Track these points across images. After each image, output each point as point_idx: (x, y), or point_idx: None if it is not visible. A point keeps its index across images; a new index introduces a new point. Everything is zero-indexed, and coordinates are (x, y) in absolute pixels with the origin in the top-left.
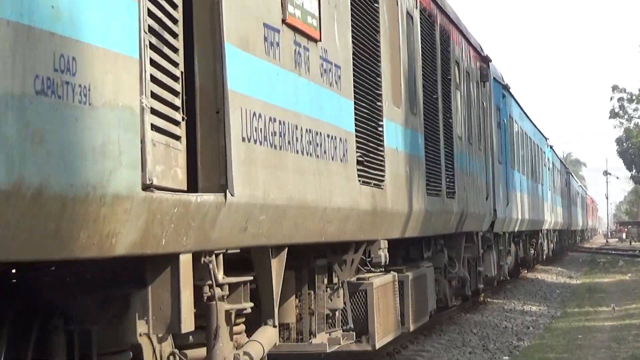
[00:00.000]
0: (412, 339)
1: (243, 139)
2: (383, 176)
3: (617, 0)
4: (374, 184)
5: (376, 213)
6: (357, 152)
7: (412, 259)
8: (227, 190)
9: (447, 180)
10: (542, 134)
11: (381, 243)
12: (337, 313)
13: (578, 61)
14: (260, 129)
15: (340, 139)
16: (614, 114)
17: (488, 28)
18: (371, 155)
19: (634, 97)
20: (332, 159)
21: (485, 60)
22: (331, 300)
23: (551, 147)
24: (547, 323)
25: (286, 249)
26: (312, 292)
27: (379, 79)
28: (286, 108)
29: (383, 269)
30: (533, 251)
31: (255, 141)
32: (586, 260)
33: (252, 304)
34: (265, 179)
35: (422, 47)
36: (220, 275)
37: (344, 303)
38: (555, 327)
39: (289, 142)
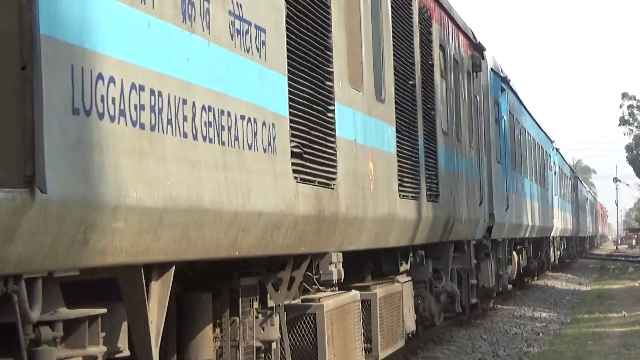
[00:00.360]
0: (422, 345)
1: (76, 111)
2: (334, 173)
3: (627, 8)
4: (320, 183)
5: (323, 220)
6: (292, 141)
7: (385, 273)
8: (36, 185)
9: (429, 181)
10: (547, 135)
11: (333, 256)
12: (273, 345)
13: (588, 69)
14: (114, 98)
15: (265, 122)
16: (623, 121)
17: (498, 35)
18: (315, 146)
19: None
20: (250, 148)
21: (479, 48)
22: (263, 329)
23: (557, 150)
24: (557, 329)
25: (172, 268)
26: (237, 320)
27: (328, 52)
28: (166, 74)
29: (336, 287)
30: (538, 259)
31: (102, 115)
32: (596, 266)
33: (103, 348)
34: (123, 170)
35: (393, 22)
36: (62, 308)
37: (280, 332)
38: (565, 334)
39: (169, 122)
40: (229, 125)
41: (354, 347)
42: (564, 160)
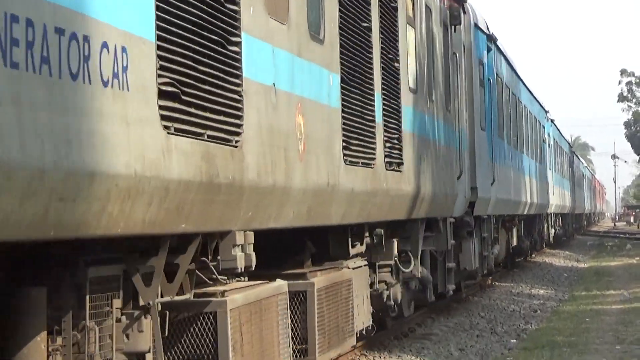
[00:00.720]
0: (420, 322)
1: None
2: (239, 126)
3: None
4: (213, 138)
5: (218, 188)
6: (161, 75)
7: (332, 257)
8: None
9: (389, 146)
10: (541, 105)
11: (237, 237)
12: (147, 358)
13: (586, 45)
14: None
15: (106, 45)
16: (622, 98)
17: (495, 12)
18: (206, 87)
19: None
20: (75, 78)
21: None
22: (128, 337)
23: (552, 121)
24: (554, 306)
25: None
26: (87, 325)
27: None
28: None
29: (245, 277)
30: (531, 238)
31: None
32: (594, 243)
33: None
34: None
35: None
36: None
37: (153, 340)
38: (563, 311)
39: None
40: (30, 39)
41: (276, 352)
42: (560, 133)
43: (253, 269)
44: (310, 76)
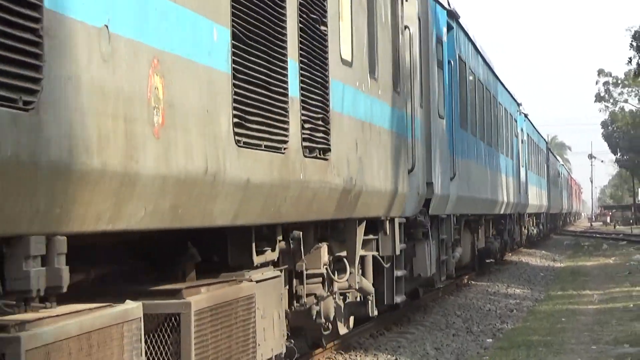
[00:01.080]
0: (396, 321)
1: None
2: (35, 81)
3: None
4: None
5: None
6: None
7: (233, 267)
8: None
9: (309, 127)
10: (513, 97)
11: (31, 245)
12: None
13: (564, 45)
14: None
15: None
16: (599, 98)
17: (472, 10)
18: None
19: (619, 81)
20: None
21: None
22: None
23: (526, 116)
24: (530, 306)
25: None
26: None
27: None
28: None
29: (51, 303)
30: (501, 239)
31: None
32: (570, 243)
33: None
34: None
35: None
36: None
37: None
38: (539, 310)
39: None
40: None
41: None
42: (535, 129)
43: (64, 290)
44: (177, 22)
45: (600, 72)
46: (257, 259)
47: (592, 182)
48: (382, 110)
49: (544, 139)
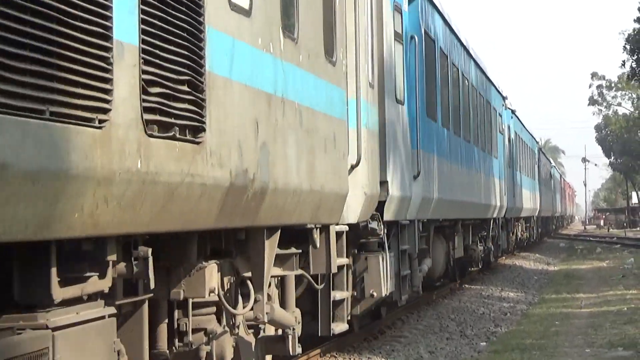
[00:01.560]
0: (390, 325)
1: None
2: None
3: None
4: None
5: None
6: None
7: (24, 305)
8: None
9: (159, 93)
10: (497, 88)
11: None
12: None
13: (557, 48)
14: None
15: None
16: (593, 101)
17: (467, 14)
18: None
19: (612, 85)
20: None
21: None
22: None
23: (514, 112)
24: (524, 309)
25: None
26: None
27: None
28: None
29: None
30: (482, 247)
31: None
32: (564, 246)
33: None
34: None
35: None
36: None
37: None
38: (533, 314)
39: None
40: None
41: None
42: (525, 127)
43: None
44: None
45: (594, 75)
46: (59, 293)
47: (585, 185)
48: (306, 82)
49: (535, 139)
